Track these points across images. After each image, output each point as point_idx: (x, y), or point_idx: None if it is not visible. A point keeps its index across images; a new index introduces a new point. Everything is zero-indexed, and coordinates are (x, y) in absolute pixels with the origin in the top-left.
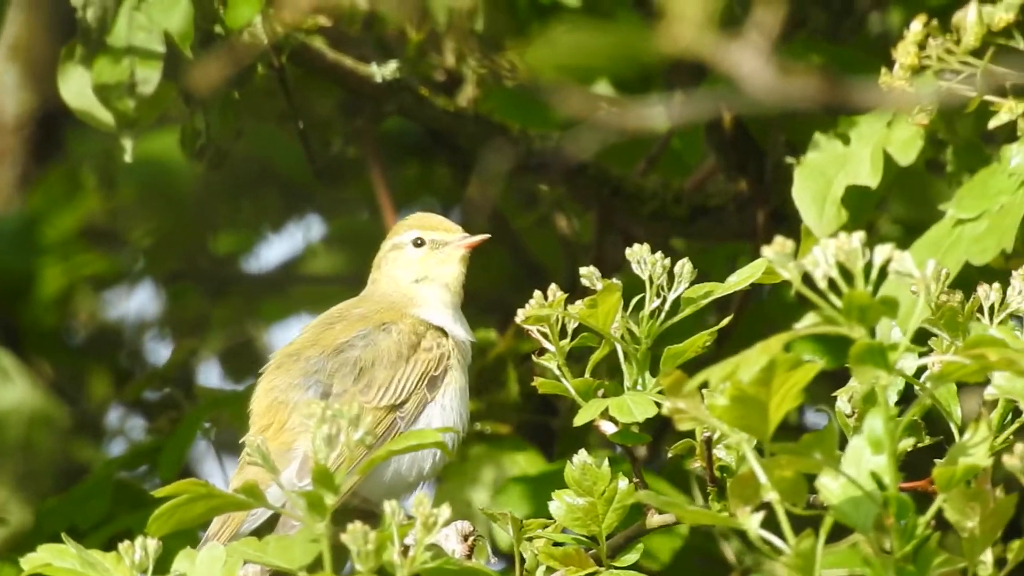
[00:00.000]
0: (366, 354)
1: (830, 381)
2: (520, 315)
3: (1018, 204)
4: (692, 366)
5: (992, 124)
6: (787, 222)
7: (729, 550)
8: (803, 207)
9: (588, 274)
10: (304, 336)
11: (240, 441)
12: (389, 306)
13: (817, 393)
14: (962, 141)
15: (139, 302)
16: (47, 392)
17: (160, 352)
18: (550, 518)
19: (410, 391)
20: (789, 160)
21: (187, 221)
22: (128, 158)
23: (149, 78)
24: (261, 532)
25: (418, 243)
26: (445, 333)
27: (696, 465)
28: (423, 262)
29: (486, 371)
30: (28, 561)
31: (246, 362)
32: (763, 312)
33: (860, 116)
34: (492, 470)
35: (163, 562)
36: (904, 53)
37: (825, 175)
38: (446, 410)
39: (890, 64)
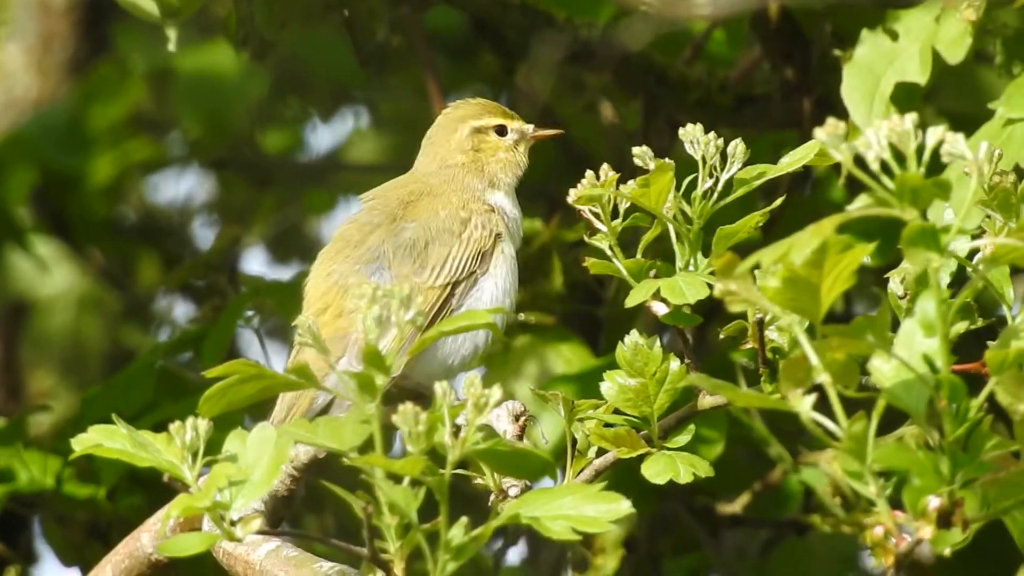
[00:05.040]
0: (419, 234)
1: (877, 274)
2: (571, 195)
3: None
4: (741, 252)
5: None
6: (833, 111)
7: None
8: (852, 105)
9: (640, 154)
10: (360, 217)
11: (292, 324)
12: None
13: (864, 285)
14: (1011, 31)
15: (187, 187)
16: (96, 278)
17: (208, 238)
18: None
19: (464, 268)
20: (836, 52)
21: (234, 118)
22: (172, 47)
23: None
24: None
25: (501, 131)
26: (493, 209)
27: (747, 346)
28: (504, 149)
29: (531, 261)
30: (78, 441)
31: (292, 249)
32: (808, 205)
33: (908, 10)
34: (536, 361)
35: (212, 447)
36: None
37: (873, 72)
38: (498, 286)
39: None
